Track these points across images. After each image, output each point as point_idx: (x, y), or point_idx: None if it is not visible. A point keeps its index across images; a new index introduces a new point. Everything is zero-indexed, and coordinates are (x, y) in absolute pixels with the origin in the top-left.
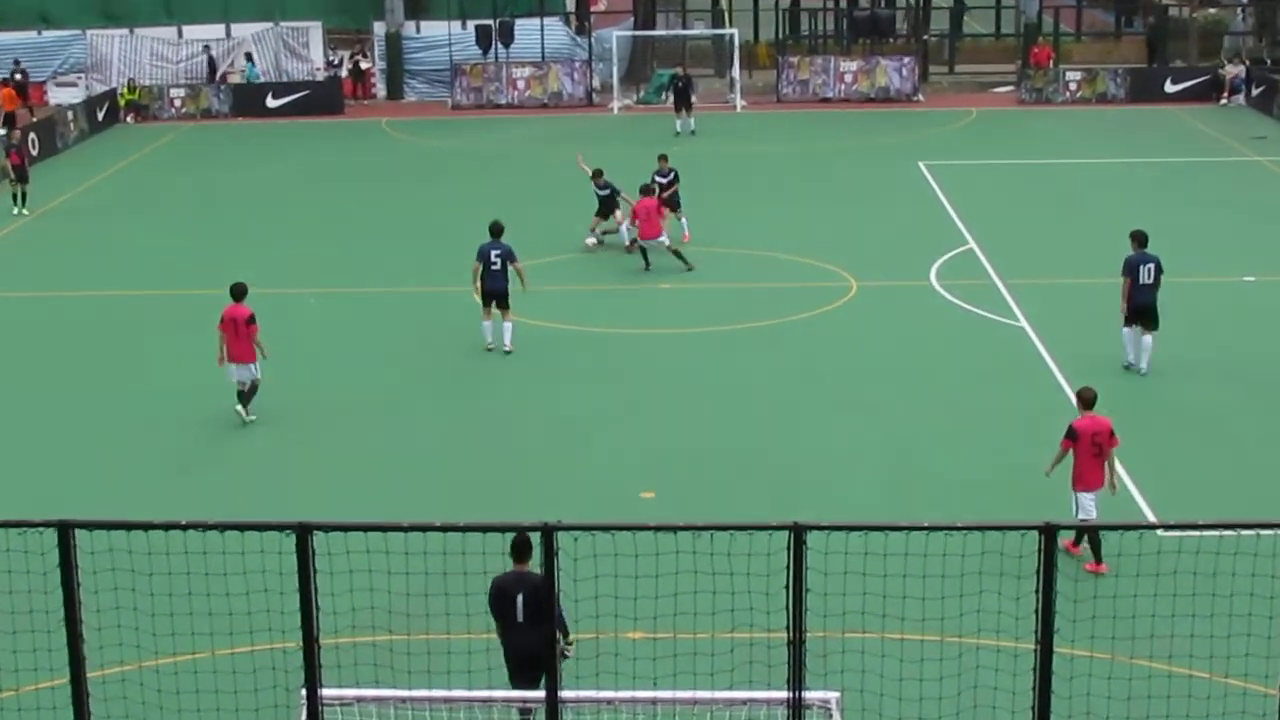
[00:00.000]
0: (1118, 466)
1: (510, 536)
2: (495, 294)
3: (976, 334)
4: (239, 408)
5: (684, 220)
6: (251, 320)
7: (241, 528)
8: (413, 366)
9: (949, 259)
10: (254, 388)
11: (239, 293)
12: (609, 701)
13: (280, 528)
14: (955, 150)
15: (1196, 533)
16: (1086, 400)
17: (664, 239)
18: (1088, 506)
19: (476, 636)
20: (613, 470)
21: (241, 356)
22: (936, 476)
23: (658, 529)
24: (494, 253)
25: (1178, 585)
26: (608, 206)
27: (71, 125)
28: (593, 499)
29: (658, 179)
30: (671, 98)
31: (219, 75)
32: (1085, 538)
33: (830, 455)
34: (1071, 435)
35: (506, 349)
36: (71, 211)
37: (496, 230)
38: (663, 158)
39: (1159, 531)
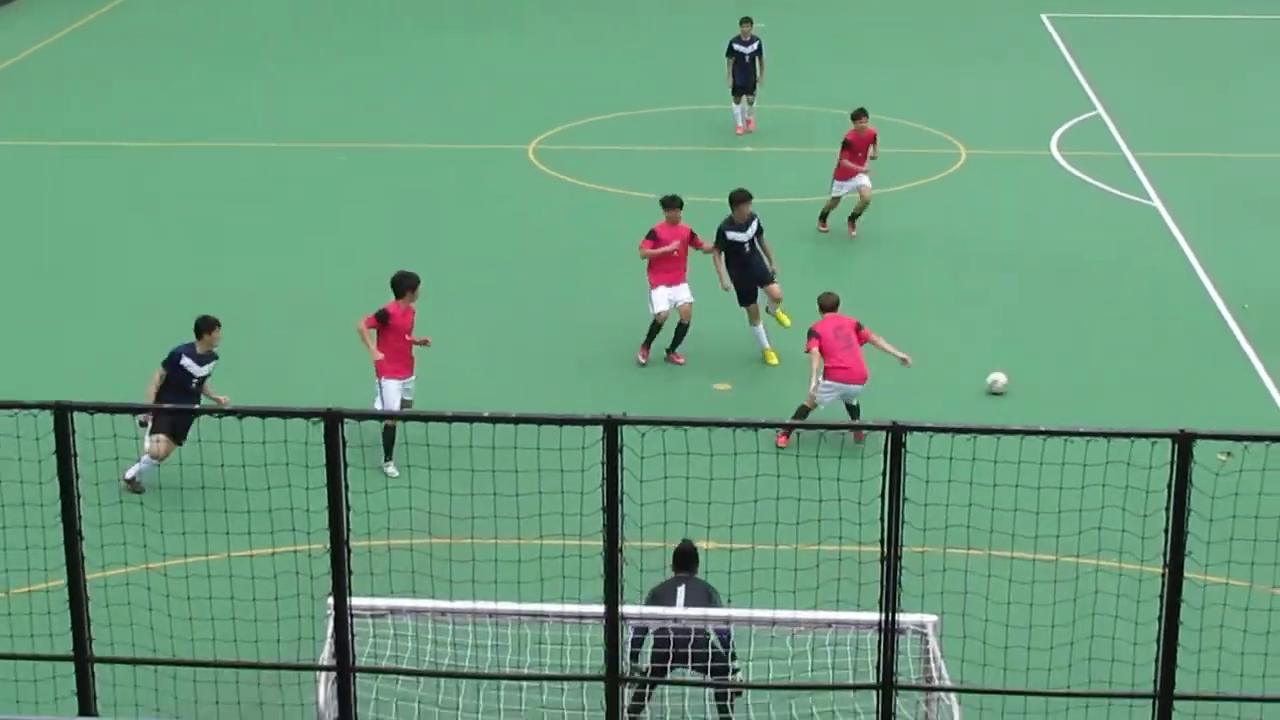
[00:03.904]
0: (888, 345)
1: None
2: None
3: (1103, 213)
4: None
5: (752, 105)
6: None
7: (263, 414)
8: (460, 237)
9: (1073, 126)
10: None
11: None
12: (675, 620)
13: (308, 414)
14: None
15: None
16: (825, 305)
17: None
18: (826, 397)
19: (527, 543)
20: (685, 359)
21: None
22: (1055, 375)
23: (736, 425)
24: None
25: None
26: None
27: None
28: (661, 390)
29: (737, 48)
30: None
31: None
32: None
33: (934, 348)
34: (812, 334)
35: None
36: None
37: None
38: (746, 21)
39: None
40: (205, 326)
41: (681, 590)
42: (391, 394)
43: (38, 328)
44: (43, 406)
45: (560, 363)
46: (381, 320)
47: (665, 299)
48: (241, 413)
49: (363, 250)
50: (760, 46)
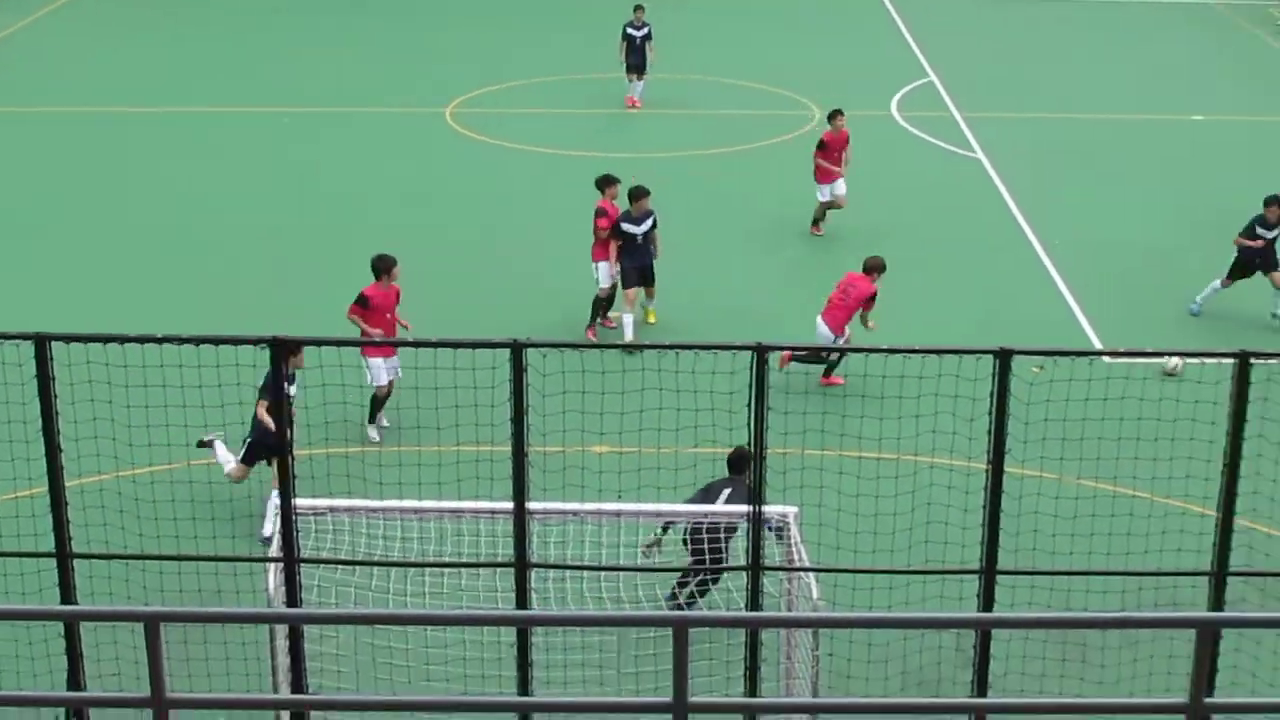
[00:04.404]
0: (870, 324)
1: None
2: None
3: (935, 165)
4: (376, 424)
5: (641, 84)
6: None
7: (215, 341)
8: (391, 190)
9: (909, 91)
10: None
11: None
12: (575, 513)
13: (254, 341)
14: None
15: (1143, 360)
16: (865, 264)
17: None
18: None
19: (446, 449)
20: (582, 293)
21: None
22: (896, 302)
23: (624, 348)
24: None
25: (1124, 411)
26: None
27: None
28: (562, 319)
29: (630, 32)
30: None
31: None
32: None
33: (792, 282)
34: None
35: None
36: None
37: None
38: (638, 9)
39: (1106, 359)
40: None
41: (727, 491)
42: (379, 371)
43: (19, 269)
44: (24, 337)
45: (478, 298)
46: (362, 304)
47: (609, 274)
48: (197, 340)
49: (305, 204)
50: (650, 31)
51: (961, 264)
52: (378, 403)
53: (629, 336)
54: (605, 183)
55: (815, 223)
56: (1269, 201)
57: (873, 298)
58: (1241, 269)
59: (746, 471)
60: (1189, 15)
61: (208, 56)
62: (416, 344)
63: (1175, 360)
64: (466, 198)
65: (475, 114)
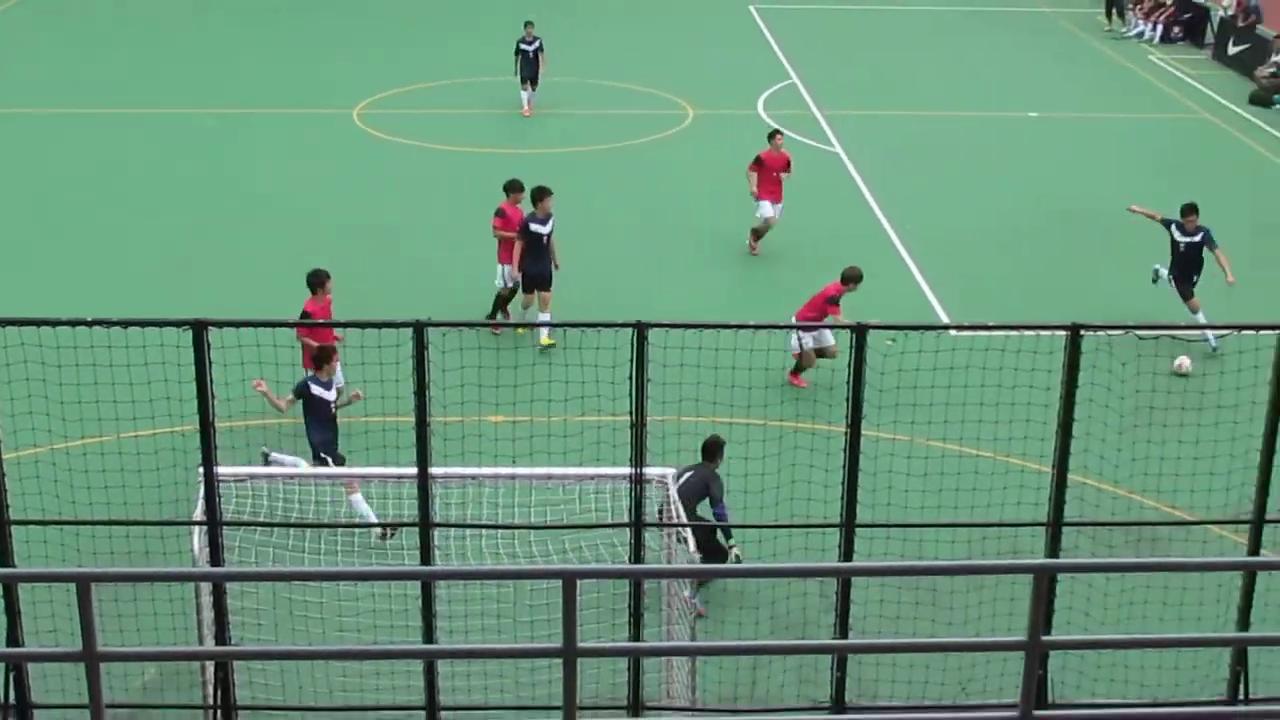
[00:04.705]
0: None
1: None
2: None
3: (799, 160)
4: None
5: (533, 92)
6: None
7: (142, 324)
8: (305, 185)
9: (774, 92)
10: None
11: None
12: (474, 477)
13: (178, 324)
14: None
15: (985, 333)
16: (843, 275)
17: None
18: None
19: (355, 420)
20: (483, 285)
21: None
22: (765, 284)
23: (517, 326)
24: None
25: (969, 379)
26: None
27: None
28: (462, 304)
29: (523, 47)
30: None
31: None
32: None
33: (671, 264)
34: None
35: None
36: None
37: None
38: (529, 24)
39: (952, 332)
40: (323, 357)
41: (688, 474)
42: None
43: None
44: None
45: (385, 285)
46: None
47: (511, 276)
48: (125, 324)
49: (219, 202)
50: (541, 44)
51: (824, 250)
52: None
53: (544, 335)
54: (511, 187)
55: (754, 235)
56: (1186, 211)
57: (833, 299)
58: (1185, 279)
59: (718, 459)
60: (1025, 21)
61: (112, 59)
62: (328, 324)
63: (1185, 364)
64: (375, 194)
65: (382, 115)
